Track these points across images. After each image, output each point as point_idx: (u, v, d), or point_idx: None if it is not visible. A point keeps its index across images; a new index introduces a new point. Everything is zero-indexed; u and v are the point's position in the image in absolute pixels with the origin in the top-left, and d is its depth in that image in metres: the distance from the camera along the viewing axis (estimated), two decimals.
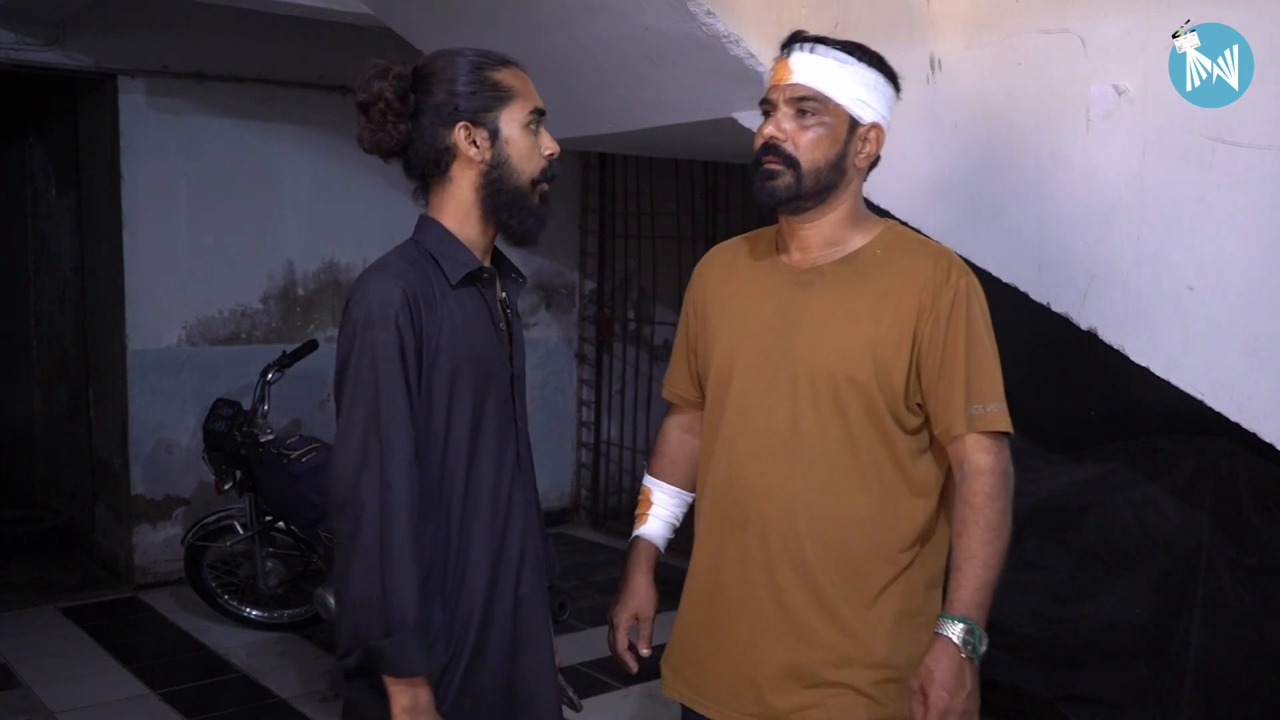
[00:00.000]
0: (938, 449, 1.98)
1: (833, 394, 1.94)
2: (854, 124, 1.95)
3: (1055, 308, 2.62)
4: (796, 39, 1.96)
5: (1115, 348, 2.52)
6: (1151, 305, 2.43)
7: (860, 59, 1.94)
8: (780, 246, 2.08)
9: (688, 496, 2.27)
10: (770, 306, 2.03)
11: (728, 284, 2.12)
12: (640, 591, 2.20)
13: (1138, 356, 2.48)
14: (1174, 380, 2.42)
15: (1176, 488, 3.07)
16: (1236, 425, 2.32)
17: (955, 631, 1.83)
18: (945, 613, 1.86)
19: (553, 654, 2.07)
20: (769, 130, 1.96)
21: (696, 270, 2.22)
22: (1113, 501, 3.17)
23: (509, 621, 1.97)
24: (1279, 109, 2.19)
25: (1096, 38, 2.49)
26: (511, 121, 1.91)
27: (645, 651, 2.20)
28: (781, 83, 1.96)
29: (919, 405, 1.96)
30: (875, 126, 1.97)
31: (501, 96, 1.91)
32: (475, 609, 1.93)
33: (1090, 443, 3.27)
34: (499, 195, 1.92)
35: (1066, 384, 3.15)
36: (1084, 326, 2.57)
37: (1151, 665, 3.05)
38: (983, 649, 1.85)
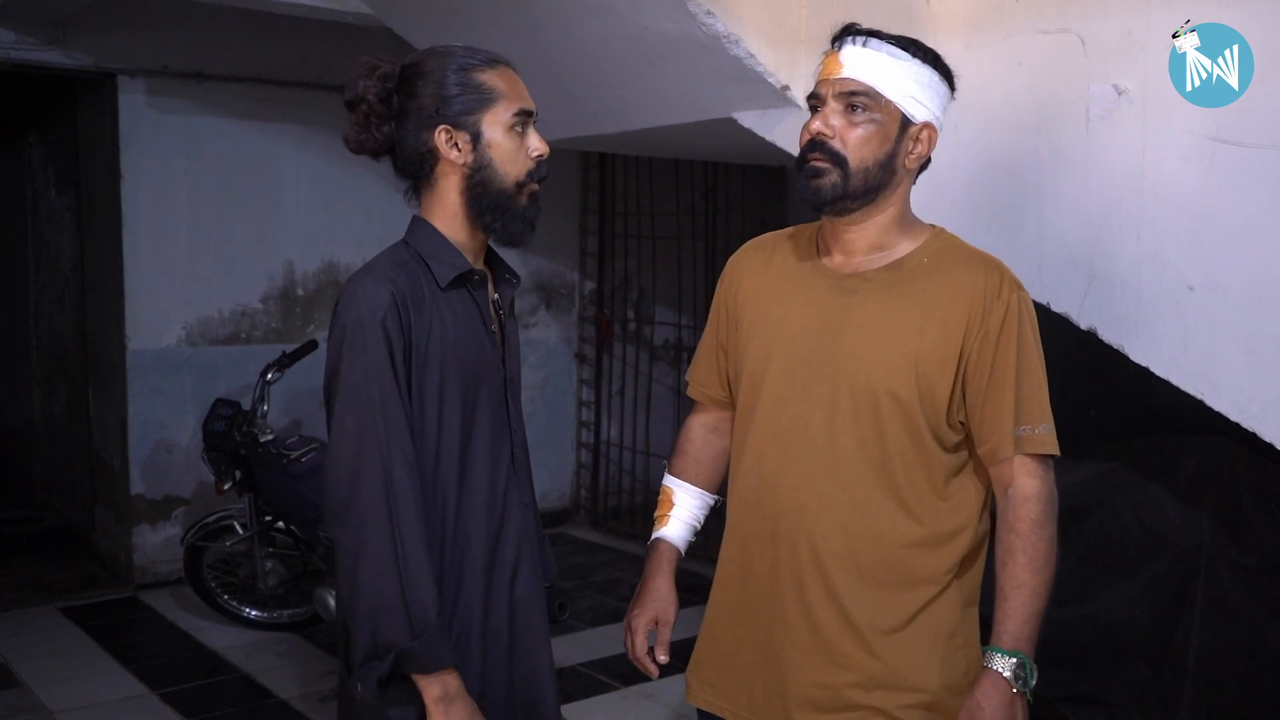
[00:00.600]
0: (978, 467, 1.92)
1: (873, 408, 1.86)
2: (906, 122, 1.86)
3: (1055, 308, 2.62)
4: (849, 31, 1.87)
5: (1115, 347, 2.52)
6: (1151, 305, 2.43)
7: (915, 54, 1.85)
8: (821, 248, 1.99)
9: (710, 498, 2.19)
10: (810, 312, 1.94)
11: (764, 283, 2.04)
12: (661, 595, 2.10)
13: (1138, 356, 2.47)
14: (1174, 380, 2.41)
15: (1177, 487, 3.06)
16: (1236, 425, 2.32)
17: (1006, 666, 1.78)
18: (994, 645, 1.81)
19: (551, 656, 2.05)
20: (816, 125, 1.86)
21: (730, 265, 2.13)
22: (1113, 501, 3.16)
23: (505, 624, 1.96)
24: (1278, 109, 2.19)
25: (1096, 38, 2.49)
26: (494, 124, 1.88)
27: (663, 658, 2.09)
28: (831, 76, 1.86)
29: (961, 423, 1.89)
30: (928, 126, 1.88)
31: (484, 99, 1.87)
32: (473, 611, 1.92)
33: (1090, 442, 3.27)
34: (483, 198, 1.90)
35: (1066, 384, 3.15)
36: (1084, 326, 2.57)
37: (1152, 665, 3.04)
38: (1034, 682, 1.80)
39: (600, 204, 6.71)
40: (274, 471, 4.39)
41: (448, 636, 1.82)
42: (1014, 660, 1.79)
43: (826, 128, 1.86)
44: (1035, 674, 1.81)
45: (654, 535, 2.17)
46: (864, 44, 1.85)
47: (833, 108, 1.86)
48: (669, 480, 2.20)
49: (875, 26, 1.89)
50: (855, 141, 1.85)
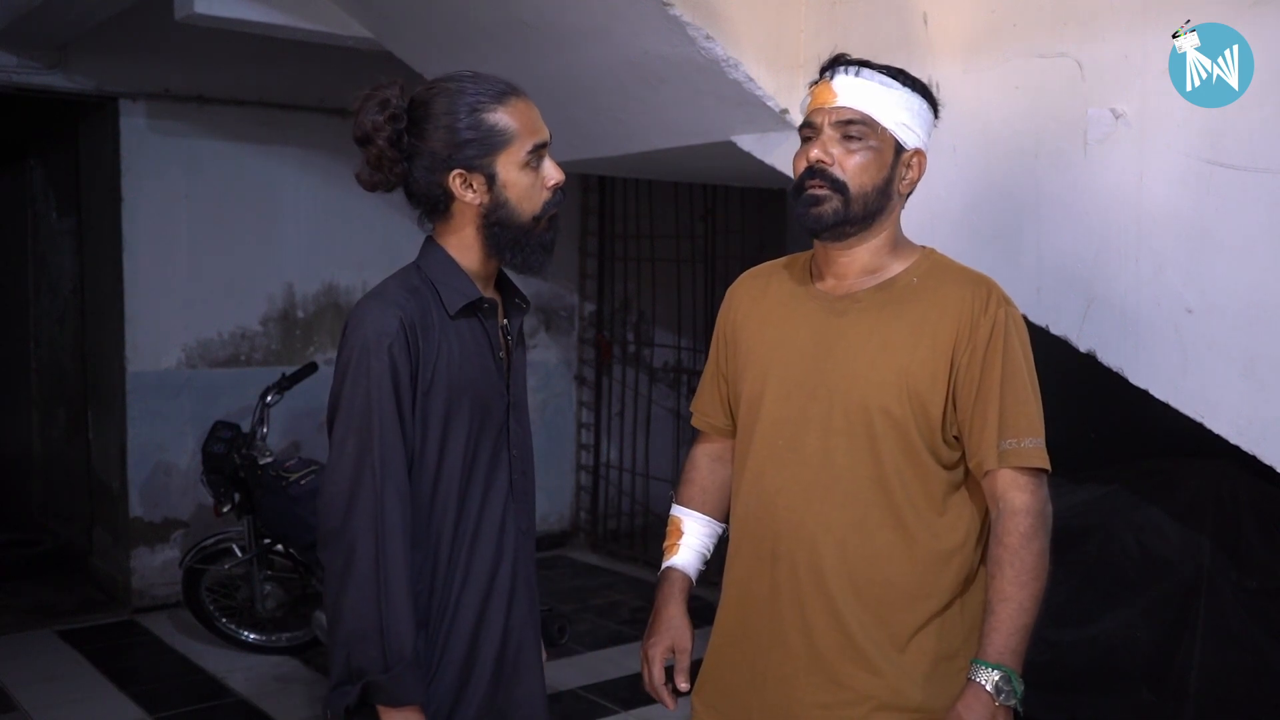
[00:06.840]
0: (976, 483, 1.92)
1: (867, 426, 1.88)
2: (899, 149, 1.90)
3: (1054, 330, 2.62)
4: (840, 61, 1.91)
5: (1114, 370, 2.52)
6: (1150, 328, 2.43)
7: (904, 83, 1.90)
8: (815, 273, 2.02)
9: (718, 526, 2.20)
10: (804, 334, 1.97)
11: (760, 310, 2.07)
12: (675, 623, 2.09)
13: (1137, 379, 2.47)
14: (1173, 402, 2.41)
15: (1177, 510, 3.06)
16: (1236, 447, 2.32)
17: (989, 679, 1.77)
18: (979, 659, 1.80)
19: (544, 682, 2.05)
20: (815, 154, 1.89)
21: (729, 294, 2.16)
22: (1113, 524, 3.16)
23: (498, 650, 1.95)
24: (1275, 132, 2.20)
25: (1094, 62, 2.50)
26: (509, 164, 1.86)
27: (684, 686, 2.08)
28: (826, 105, 1.90)
29: (956, 438, 1.90)
30: (918, 152, 1.93)
31: (497, 141, 1.85)
32: (465, 637, 1.91)
33: (1090, 465, 3.27)
34: (501, 236, 1.89)
35: (1066, 406, 3.15)
36: (1083, 349, 2.57)
37: (1153, 689, 3.03)
38: (1019, 697, 1.80)
39: (600, 226, 6.73)
40: (273, 494, 4.39)
41: (420, 672, 1.81)
42: (997, 674, 1.78)
43: (826, 155, 1.89)
44: (1020, 688, 1.80)
45: (664, 564, 2.18)
46: (856, 73, 1.89)
47: (830, 135, 1.89)
48: (677, 510, 2.22)
49: (873, 49, 1.92)
50: (854, 168, 1.88)
